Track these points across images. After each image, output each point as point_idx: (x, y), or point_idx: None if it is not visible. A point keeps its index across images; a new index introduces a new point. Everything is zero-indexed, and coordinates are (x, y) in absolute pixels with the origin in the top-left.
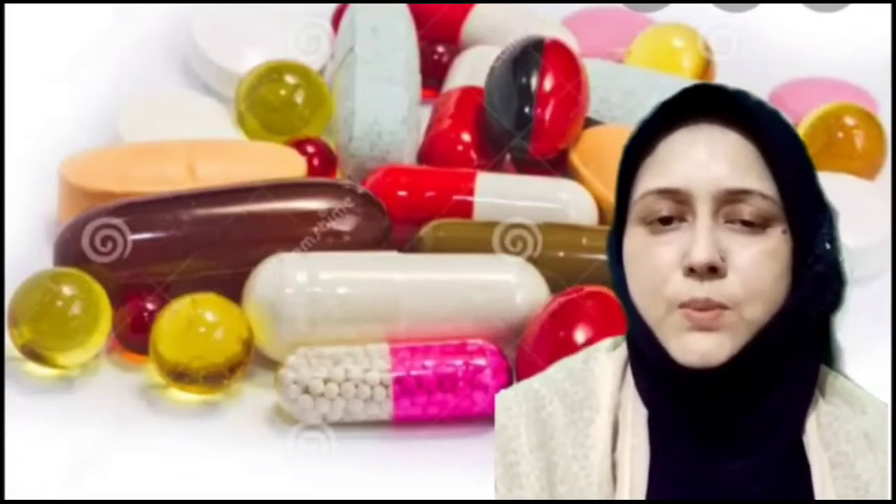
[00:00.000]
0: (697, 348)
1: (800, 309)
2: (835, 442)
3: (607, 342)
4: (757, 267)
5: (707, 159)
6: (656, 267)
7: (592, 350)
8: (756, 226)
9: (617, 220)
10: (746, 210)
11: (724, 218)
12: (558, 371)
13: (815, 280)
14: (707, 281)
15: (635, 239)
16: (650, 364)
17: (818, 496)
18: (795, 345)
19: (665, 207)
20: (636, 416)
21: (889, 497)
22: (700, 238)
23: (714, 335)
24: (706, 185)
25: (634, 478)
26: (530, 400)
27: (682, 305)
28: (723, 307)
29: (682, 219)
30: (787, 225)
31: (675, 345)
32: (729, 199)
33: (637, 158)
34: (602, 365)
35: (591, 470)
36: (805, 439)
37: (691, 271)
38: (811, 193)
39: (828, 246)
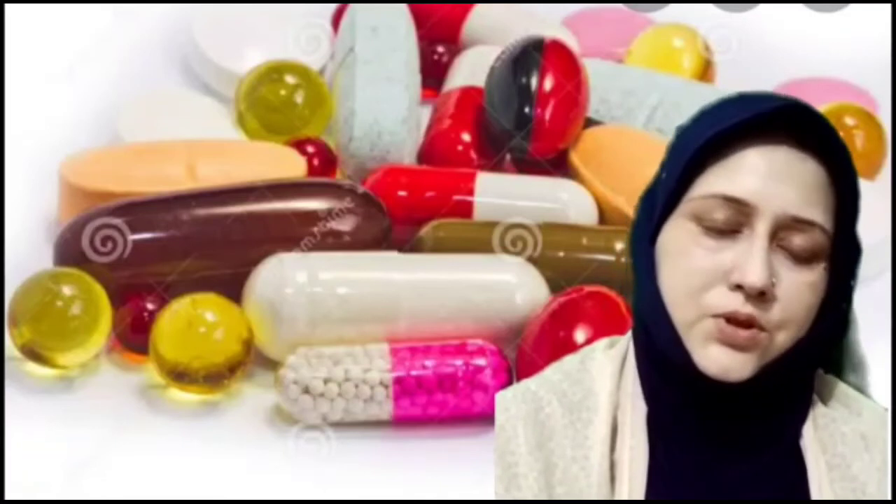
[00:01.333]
0: (722, 362)
1: (820, 338)
2: (831, 444)
3: (604, 341)
4: (800, 298)
5: (780, 178)
6: (701, 270)
7: (589, 350)
8: (803, 261)
9: (663, 208)
10: (802, 242)
11: (779, 242)
12: (555, 372)
13: (839, 314)
14: (752, 303)
15: (682, 233)
16: (660, 358)
17: (815, 498)
18: (807, 365)
19: (723, 216)
20: (635, 416)
21: (888, 498)
22: (757, 259)
23: (742, 354)
24: (774, 206)
25: (633, 478)
26: (528, 401)
27: (717, 315)
28: (760, 328)
29: (737, 229)
30: (829, 262)
31: (700, 352)
32: (790, 226)
33: (702, 159)
34: (599, 365)
35: (591, 471)
36: (802, 442)
37: (739, 288)
38: (855, 233)
39: (852, 283)
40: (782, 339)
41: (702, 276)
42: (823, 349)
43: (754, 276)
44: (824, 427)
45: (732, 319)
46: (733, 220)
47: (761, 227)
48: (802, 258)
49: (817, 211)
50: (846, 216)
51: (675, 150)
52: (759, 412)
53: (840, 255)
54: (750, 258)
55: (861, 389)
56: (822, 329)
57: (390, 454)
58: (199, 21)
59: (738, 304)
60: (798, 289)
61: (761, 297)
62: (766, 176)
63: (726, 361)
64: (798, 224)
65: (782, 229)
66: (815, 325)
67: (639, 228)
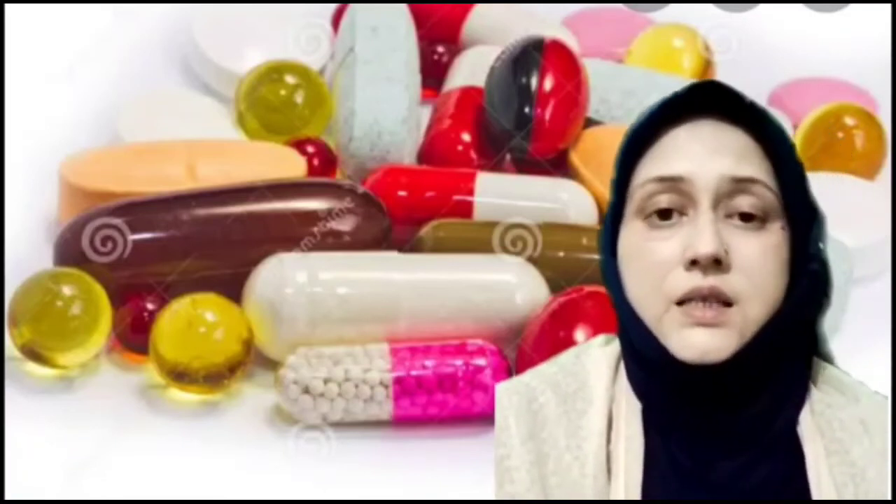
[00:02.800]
0: (698, 344)
1: (797, 308)
2: (829, 430)
3: (600, 338)
4: (760, 262)
5: (711, 150)
6: (656, 263)
7: (584, 346)
8: (757, 219)
9: (613, 213)
10: (749, 201)
11: (725, 212)
12: (550, 365)
13: (811, 279)
14: (711, 275)
15: (633, 234)
16: (645, 359)
17: (814, 484)
18: (791, 342)
19: (665, 199)
20: (630, 410)
21: (888, 488)
22: (704, 229)
23: (717, 331)
24: (710, 175)
25: (629, 470)
26: (521, 393)
27: (682, 301)
28: (727, 304)
29: (681, 212)
30: (784, 222)
31: (676, 340)
32: (732, 190)
33: (637, 151)
34: (594, 359)
35: (586, 461)
36: (799, 429)
37: (693, 264)
38: (806, 194)
39: (820, 245)
40: (755, 311)
41: (659, 268)
42: (805, 323)
43: (705, 245)
44: (821, 413)
45: (696, 297)
46: (674, 202)
47: (703, 200)
48: (753, 220)
49: (755, 168)
50: (790, 177)
51: (616, 155)
52: (751, 401)
53: (796, 217)
54: (697, 231)
55: None
56: (799, 296)
57: (390, 454)
58: (199, 21)
59: (697, 280)
60: (756, 253)
61: (717, 265)
62: (697, 151)
63: (703, 342)
64: (740, 184)
65: (724, 197)
66: (788, 294)
67: (603, 241)
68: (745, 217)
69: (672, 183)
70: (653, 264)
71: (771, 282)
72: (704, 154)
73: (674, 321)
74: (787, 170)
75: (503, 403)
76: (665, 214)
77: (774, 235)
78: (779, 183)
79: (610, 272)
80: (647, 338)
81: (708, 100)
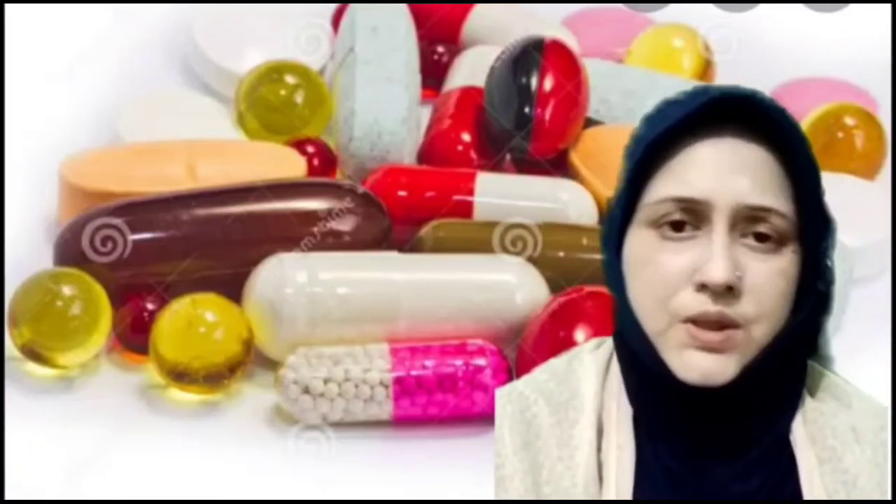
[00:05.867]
0: (701, 367)
1: (801, 325)
2: (821, 437)
3: (591, 343)
4: (771, 285)
5: (731, 170)
6: (664, 278)
7: (576, 351)
8: (771, 241)
9: (621, 216)
10: (762, 229)
11: (741, 232)
12: (543, 372)
13: (817, 299)
14: (721, 300)
15: (642, 242)
16: (639, 364)
17: (806, 492)
18: (791, 354)
19: (678, 218)
20: (621, 416)
21: (880, 496)
22: (718, 255)
23: (721, 357)
24: (727, 199)
25: (620, 478)
26: (514, 402)
27: (688, 320)
28: (734, 326)
29: (695, 226)
30: (798, 244)
31: (677, 360)
32: (748, 217)
33: (652, 159)
34: (585, 366)
35: (577, 470)
36: (792, 437)
37: (704, 287)
38: (821, 209)
39: (829, 262)
40: (760, 333)
41: (667, 283)
42: (806, 337)
43: (716, 272)
44: (814, 421)
45: (703, 322)
46: (689, 220)
47: (719, 222)
48: (768, 241)
49: (772, 196)
50: (808, 193)
51: (627, 155)
52: (746, 411)
53: (810, 235)
54: (710, 255)
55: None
56: (802, 317)
57: (390, 454)
58: (199, 21)
59: (706, 304)
60: (767, 278)
61: (729, 292)
62: (716, 170)
63: (706, 366)
64: (755, 212)
65: (740, 221)
66: (793, 312)
67: (606, 239)
68: (761, 237)
69: (689, 203)
70: (661, 278)
71: (779, 304)
72: (724, 174)
73: (677, 339)
74: (807, 191)
75: (498, 412)
76: (678, 226)
77: (786, 259)
78: (795, 198)
79: (613, 271)
80: (645, 347)
81: (729, 109)
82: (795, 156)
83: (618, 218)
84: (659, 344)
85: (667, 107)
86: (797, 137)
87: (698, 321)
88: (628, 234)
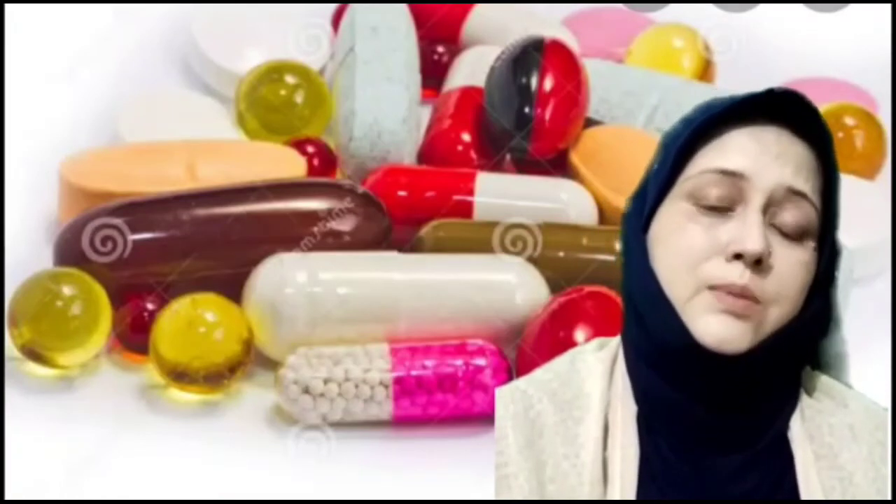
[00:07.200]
0: (720, 333)
1: (808, 322)
2: (818, 435)
3: (593, 343)
4: (793, 272)
5: (775, 155)
6: (696, 245)
7: (578, 351)
8: (797, 233)
9: (655, 194)
10: (795, 216)
11: (770, 219)
12: (545, 372)
13: (825, 299)
14: (749, 272)
15: (678, 212)
16: (653, 350)
17: (803, 488)
18: (795, 353)
19: (718, 191)
20: (626, 416)
21: (876, 493)
22: (755, 228)
23: (740, 323)
24: (769, 177)
25: (625, 477)
26: (518, 401)
27: (714, 287)
28: (755, 300)
29: (730, 209)
30: (816, 243)
31: (700, 324)
32: (783, 200)
33: (695, 144)
34: (589, 366)
35: (583, 469)
36: (789, 433)
37: (736, 258)
38: (837, 224)
39: (836, 274)
40: (775, 315)
41: (699, 251)
42: (810, 338)
43: (753, 242)
44: (811, 419)
45: (729, 289)
46: (727, 196)
47: (756, 200)
48: (794, 234)
49: (810, 186)
50: (832, 203)
51: (666, 142)
52: (749, 406)
53: (825, 241)
54: (747, 227)
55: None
56: (811, 312)
57: (390, 454)
58: (199, 21)
59: (735, 274)
60: (791, 264)
61: (758, 265)
62: (760, 153)
63: (724, 332)
64: (792, 196)
65: (774, 204)
66: (804, 308)
67: (630, 222)
68: (787, 229)
69: (731, 177)
70: (693, 244)
71: (796, 293)
72: (767, 157)
73: (703, 304)
74: (834, 197)
75: (500, 412)
76: (714, 207)
77: (808, 253)
78: (822, 200)
79: (637, 250)
80: (668, 317)
81: (773, 107)
82: (829, 160)
83: (653, 196)
84: (683, 310)
85: (709, 103)
86: (831, 143)
87: (724, 288)
88: (660, 210)
